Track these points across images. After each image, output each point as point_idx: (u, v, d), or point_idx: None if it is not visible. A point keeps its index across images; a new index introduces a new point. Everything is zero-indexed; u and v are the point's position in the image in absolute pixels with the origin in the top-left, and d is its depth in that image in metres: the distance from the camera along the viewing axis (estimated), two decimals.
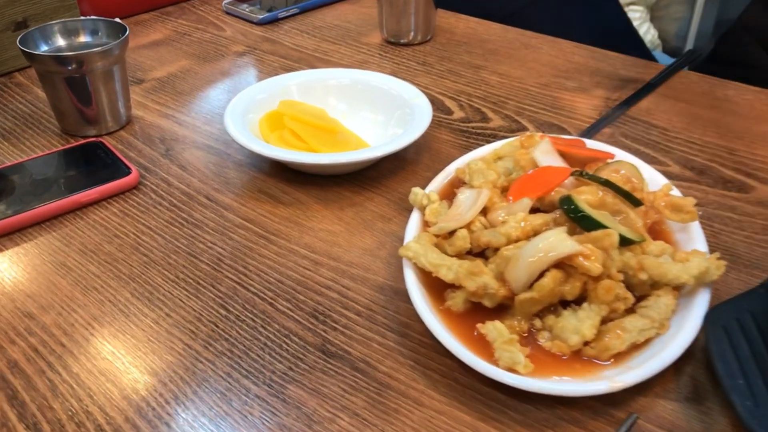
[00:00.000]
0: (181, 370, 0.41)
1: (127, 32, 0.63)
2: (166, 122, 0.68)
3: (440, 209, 0.49)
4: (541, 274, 0.41)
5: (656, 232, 0.48)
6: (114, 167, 0.58)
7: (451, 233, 0.46)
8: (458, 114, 0.69)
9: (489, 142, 0.62)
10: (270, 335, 0.43)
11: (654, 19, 2.06)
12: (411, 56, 0.81)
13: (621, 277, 0.41)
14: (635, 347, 0.40)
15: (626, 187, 0.46)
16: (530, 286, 0.41)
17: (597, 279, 0.40)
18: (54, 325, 0.44)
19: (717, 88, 0.72)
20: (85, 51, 0.60)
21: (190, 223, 0.54)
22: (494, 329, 0.40)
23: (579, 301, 0.41)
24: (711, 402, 0.38)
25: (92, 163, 0.59)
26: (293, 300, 0.46)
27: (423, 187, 0.51)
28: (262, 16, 0.90)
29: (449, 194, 0.52)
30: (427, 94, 0.63)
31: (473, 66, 0.78)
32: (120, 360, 0.42)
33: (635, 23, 1.83)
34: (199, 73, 0.78)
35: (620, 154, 0.52)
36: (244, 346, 0.43)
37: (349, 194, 0.57)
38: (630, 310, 0.42)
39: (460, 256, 0.45)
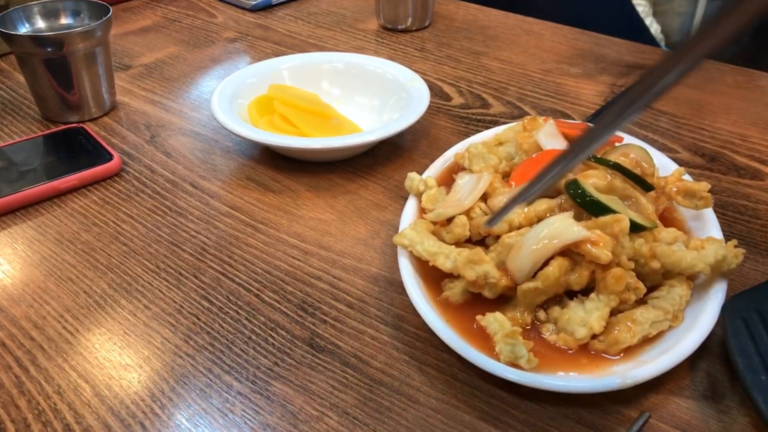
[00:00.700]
0: (158, 365, 0.38)
1: (110, 13, 0.60)
2: (152, 108, 0.65)
3: (438, 195, 0.46)
4: (546, 263, 0.38)
5: (667, 219, 0.45)
6: (95, 153, 0.55)
7: (449, 220, 0.43)
8: (457, 100, 0.66)
9: (490, 128, 0.60)
10: (255, 328, 0.41)
11: (657, 14, 2.02)
12: (409, 42, 0.79)
13: (632, 265, 0.38)
14: (647, 341, 0.37)
15: (636, 172, 0.43)
16: (534, 276, 0.38)
17: (606, 267, 0.37)
18: (24, 318, 0.41)
19: (727, 75, 0.69)
20: (66, 31, 0.57)
21: (174, 211, 0.51)
22: (495, 321, 0.37)
23: (586, 291, 0.38)
24: (729, 400, 0.36)
25: (72, 149, 0.56)
26: (281, 291, 0.43)
27: (420, 174, 0.48)
28: (254, 2, 0.87)
29: (448, 180, 0.49)
30: (425, 80, 0.60)
31: (473, 52, 0.75)
32: (93, 355, 0.39)
33: None
34: (189, 60, 0.75)
35: (628, 138, 0.50)
36: (227, 339, 0.40)
37: (342, 182, 0.54)
38: (641, 301, 0.39)
39: (458, 244, 0.42)
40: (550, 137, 0.46)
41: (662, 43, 1.95)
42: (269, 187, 0.53)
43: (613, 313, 0.38)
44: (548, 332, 0.38)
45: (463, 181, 0.45)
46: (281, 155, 0.56)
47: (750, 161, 0.55)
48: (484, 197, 0.44)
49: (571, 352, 0.37)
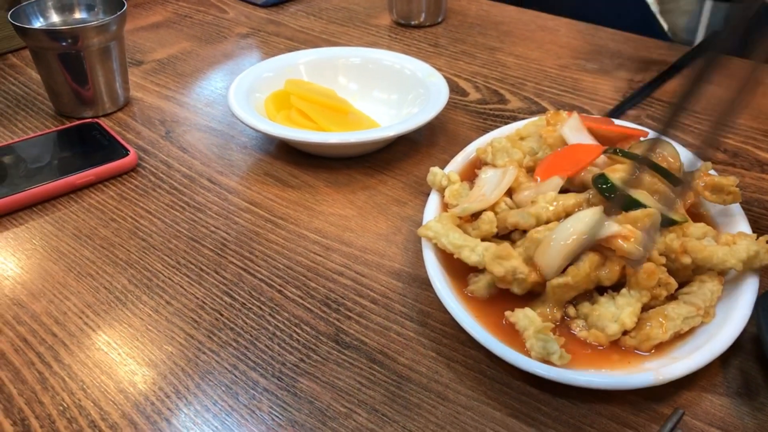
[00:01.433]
0: (182, 362, 0.38)
1: (125, 7, 0.60)
2: (166, 104, 0.64)
3: (461, 190, 0.45)
4: (575, 258, 0.38)
5: (693, 214, 0.44)
6: (111, 148, 0.55)
7: (475, 216, 0.42)
8: (474, 95, 0.65)
9: (508, 124, 0.59)
10: (279, 324, 0.40)
11: (663, 12, 2.02)
12: (422, 38, 0.78)
13: (663, 260, 0.38)
14: (678, 337, 0.37)
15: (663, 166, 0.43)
16: (564, 271, 0.37)
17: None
18: (45, 314, 0.41)
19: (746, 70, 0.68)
20: (81, 25, 0.56)
21: (192, 206, 0.50)
22: (525, 317, 0.36)
23: (617, 287, 0.38)
24: (764, 397, 0.35)
25: (88, 145, 0.56)
26: (303, 287, 0.43)
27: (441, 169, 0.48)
28: None
29: (470, 175, 0.48)
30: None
31: (488, 48, 0.75)
32: (116, 351, 0.38)
33: None
34: (201, 55, 0.74)
35: (653, 133, 0.49)
36: (251, 335, 0.39)
37: (360, 177, 0.53)
38: (671, 297, 0.38)
39: (484, 239, 0.42)
40: (575, 131, 0.46)
41: None
42: (287, 182, 0.53)
43: (644, 309, 0.37)
44: (578, 328, 0.37)
45: (487, 175, 0.45)
46: (298, 150, 0.56)
47: None
48: (509, 192, 0.44)
49: (601, 348, 0.36)
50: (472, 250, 0.40)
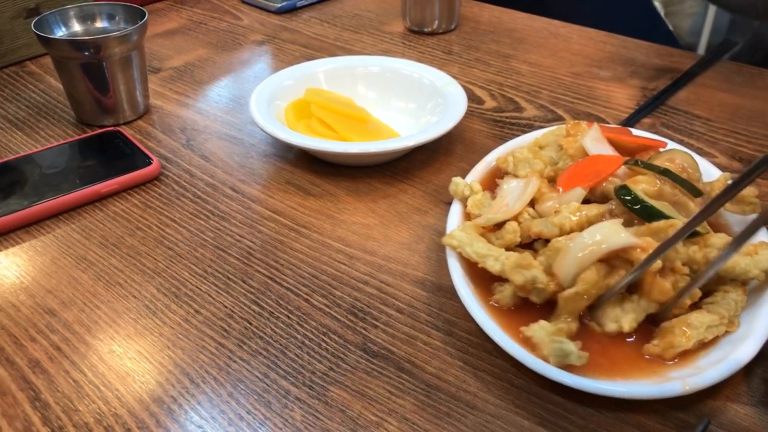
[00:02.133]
0: (214, 371, 0.38)
1: (146, 17, 0.61)
2: (185, 112, 0.65)
3: (483, 200, 0.46)
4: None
5: (713, 225, 0.45)
6: (134, 157, 0.55)
7: (499, 225, 0.43)
8: (490, 103, 0.66)
9: (525, 132, 0.60)
10: (307, 333, 0.41)
11: (668, 15, 2.03)
12: (436, 45, 0.79)
13: (686, 270, 0.38)
14: (702, 346, 0.37)
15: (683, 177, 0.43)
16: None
17: (657, 273, 0.38)
18: (77, 322, 0.42)
19: (757, 78, 0.69)
20: (103, 35, 0.57)
21: (216, 215, 0.51)
22: (540, 329, 0.37)
23: (630, 288, 0.39)
24: None
25: (111, 153, 0.56)
26: (330, 296, 0.43)
27: (460, 178, 0.48)
28: (280, 5, 0.87)
29: (491, 185, 0.49)
30: None
31: (502, 55, 0.76)
32: (148, 360, 0.39)
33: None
34: (218, 62, 0.75)
35: (671, 143, 0.50)
36: (281, 344, 0.40)
37: (380, 186, 0.54)
38: (694, 306, 0.39)
39: (507, 248, 0.42)
40: (596, 142, 0.46)
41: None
42: (309, 191, 0.53)
43: (669, 318, 0.38)
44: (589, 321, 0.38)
45: (509, 186, 0.45)
46: (317, 158, 0.56)
47: None
48: (532, 202, 0.44)
49: (625, 356, 0.37)
50: (496, 259, 0.40)
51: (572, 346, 0.35)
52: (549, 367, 0.35)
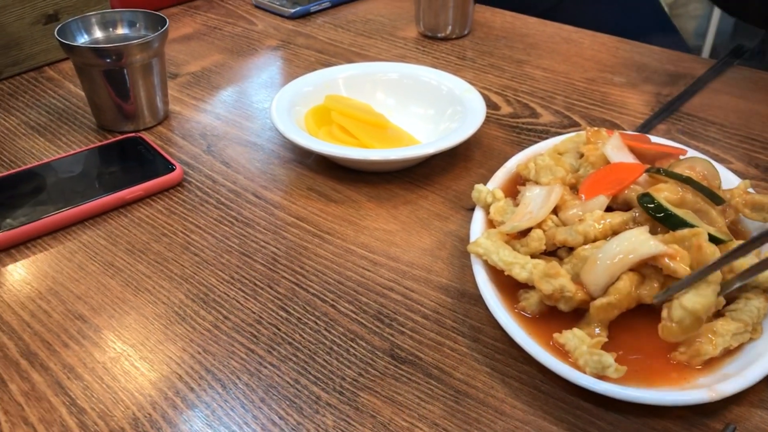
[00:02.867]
0: (245, 376, 0.39)
1: (167, 24, 0.61)
2: (204, 117, 0.66)
3: (506, 207, 0.47)
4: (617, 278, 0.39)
5: (733, 232, 0.45)
6: (156, 163, 0.56)
7: (523, 233, 0.44)
8: (506, 109, 0.66)
9: (541, 137, 0.60)
10: (335, 339, 0.41)
11: (673, 17, 2.03)
12: (450, 50, 0.79)
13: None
14: (727, 353, 0.38)
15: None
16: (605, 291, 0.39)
17: None
18: (107, 328, 0.42)
19: None
20: (125, 43, 0.58)
21: (240, 221, 0.51)
22: (574, 337, 0.37)
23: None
24: None
25: (134, 159, 0.57)
26: (355, 302, 0.44)
27: (481, 184, 0.49)
28: (293, 10, 0.88)
29: (512, 192, 0.49)
30: None
31: (515, 60, 0.76)
32: (181, 366, 0.40)
33: None
34: (234, 68, 0.76)
35: (691, 151, 0.50)
36: (309, 350, 0.41)
37: (401, 192, 0.55)
38: (718, 314, 0.40)
39: (532, 256, 0.43)
40: (617, 150, 0.47)
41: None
42: (331, 197, 0.54)
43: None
44: None
45: (533, 193, 0.46)
46: (337, 165, 0.57)
47: None
48: (555, 210, 0.45)
49: (653, 364, 0.37)
50: (523, 267, 0.41)
51: (611, 359, 0.35)
52: (580, 374, 0.36)
